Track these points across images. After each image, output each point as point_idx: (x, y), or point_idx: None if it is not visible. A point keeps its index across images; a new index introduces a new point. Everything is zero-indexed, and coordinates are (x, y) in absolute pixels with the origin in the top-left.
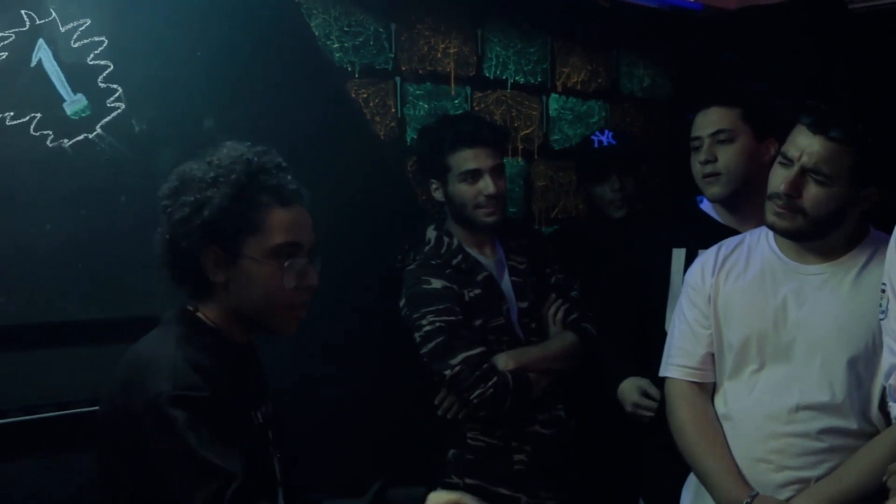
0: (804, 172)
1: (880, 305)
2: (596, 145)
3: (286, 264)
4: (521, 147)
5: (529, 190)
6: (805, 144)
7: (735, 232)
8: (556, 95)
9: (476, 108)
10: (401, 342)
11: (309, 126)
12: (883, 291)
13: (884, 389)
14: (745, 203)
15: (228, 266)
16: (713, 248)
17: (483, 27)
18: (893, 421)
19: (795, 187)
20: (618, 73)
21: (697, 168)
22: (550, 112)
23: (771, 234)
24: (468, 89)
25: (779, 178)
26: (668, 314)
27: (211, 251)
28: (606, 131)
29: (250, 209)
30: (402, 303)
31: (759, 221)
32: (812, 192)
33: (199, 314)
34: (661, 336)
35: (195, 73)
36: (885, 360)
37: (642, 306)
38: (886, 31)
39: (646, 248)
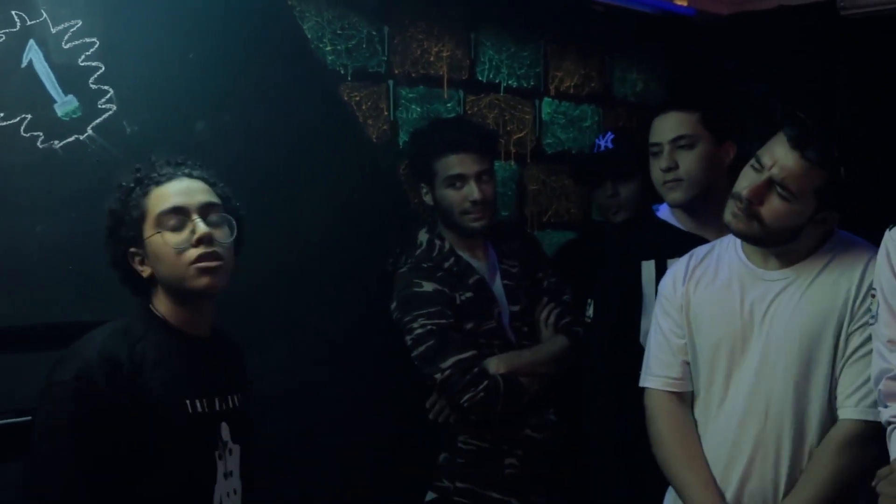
0: (771, 183)
1: (870, 310)
2: (595, 150)
3: (170, 226)
4: (513, 151)
5: (522, 194)
6: (780, 156)
7: (698, 237)
8: (549, 99)
9: (469, 112)
10: (392, 345)
11: (301, 129)
12: (873, 296)
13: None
14: (705, 207)
15: (145, 258)
16: (684, 258)
17: (476, 31)
18: (884, 424)
19: (758, 195)
20: (611, 77)
21: (658, 174)
22: (543, 116)
23: (739, 241)
24: (461, 93)
25: (745, 182)
26: (641, 327)
27: (131, 252)
28: (609, 134)
29: (138, 202)
30: (393, 305)
31: (720, 225)
32: (773, 205)
33: (152, 307)
34: (636, 351)
35: (187, 75)
36: (875, 365)
37: (619, 322)
38: (878, 36)
39: (616, 262)
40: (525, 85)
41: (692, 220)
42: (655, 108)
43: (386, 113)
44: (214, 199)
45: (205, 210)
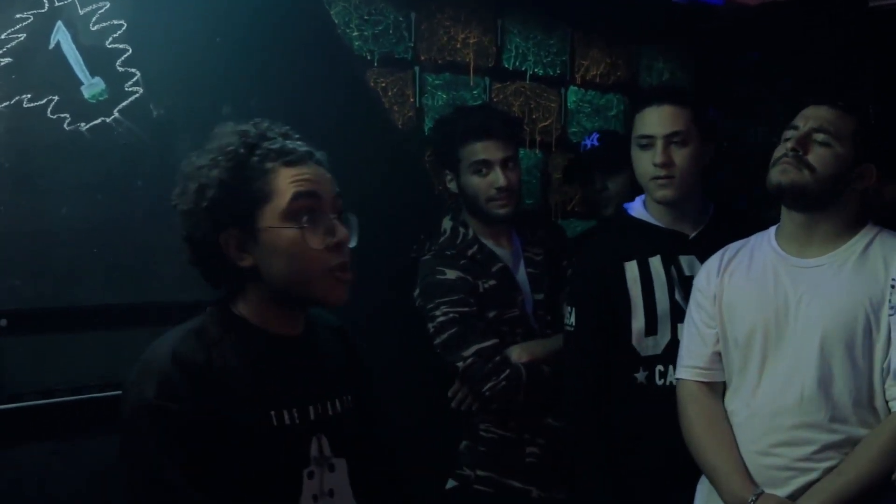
0: (811, 134)
1: (889, 301)
2: (582, 149)
3: (305, 221)
4: (538, 139)
5: (547, 182)
6: (810, 113)
7: (678, 233)
8: (575, 88)
9: (495, 100)
10: (415, 333)
11: (327, 114)
12: (893, 287)
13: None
14: (684, 203)
15: (250, 246)
16: (718, 253)
17: (503, 18)
18: None
19: (803, 144)
20: (637, 66)
21: (648, 168)
22: (569, 104)
23: (772, 233)
24: (487, 80)
25: (784, 145)
26: (633, 329)
27: (228, 235)
28: (594, 133)
29: (255, 177)
30: (416, 293)
31: (696, 219)
32: (818, 152)
33: (231, 306)
34: (630, 354)
35: (214, 58)
36: (893, 358)
37: (605, 327)
38: None
39: (595, 266)
40: (551, 73)
41: (669, 216)
42: (645, 98)
43: (412, 99)
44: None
45: (337, 207)
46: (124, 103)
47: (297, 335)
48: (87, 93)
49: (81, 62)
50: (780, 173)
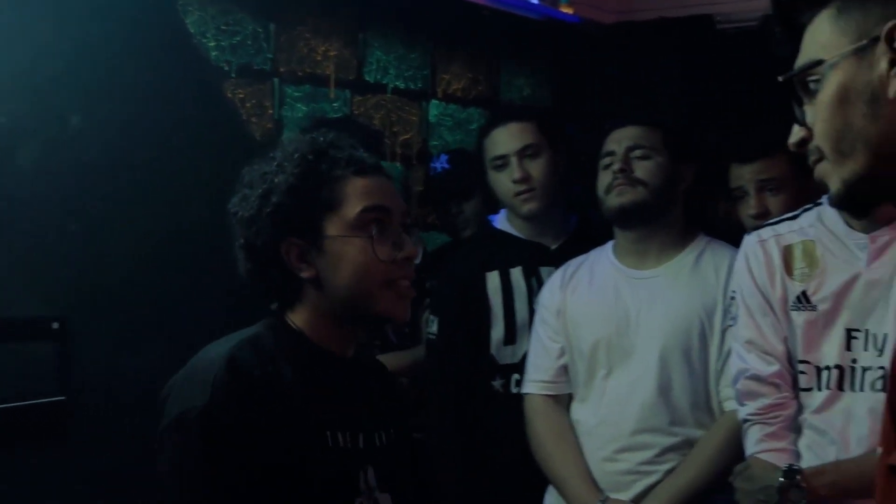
0: (628, 153)
1: (730, 312)
2: (432, 172)
3: (374, 232)
4: (399, 152)
5: (407, 195)
6: (619, 136)
7: (538, 245)
8: (437, 101)
9: (356, 112)
10: None
11: (182, 124)
12: (733, 299)
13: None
14: (546, 216)
15: (314, 255)
16: (560, 269)
17: (364, 31)
18: (741, 422)
19: (626, 162)
20: (498, 81)
21: (508, 186)
22: (430, 118)
23: (610, 249)
24: (348, 93)
25: (609, 171)
26: (492, 338)
27: (291, 243)
28: (442, 156)
29: (323, 184)
30: (274, 306)
31: (558, 231)
32: (643, 166)
33: (287, 318)
34: (489, 363)
35: (62, 66)
36: (733, 365)
37: (467, 336)
38: (752, 49)
39: (458, 276)
40: (412, 87)
41: (531, 228)
42: (488, 123)
43: (271, 111)
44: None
45: (405, 220)
46: None
47: (349, 358)
48: None
49: None
50: (617, 196)
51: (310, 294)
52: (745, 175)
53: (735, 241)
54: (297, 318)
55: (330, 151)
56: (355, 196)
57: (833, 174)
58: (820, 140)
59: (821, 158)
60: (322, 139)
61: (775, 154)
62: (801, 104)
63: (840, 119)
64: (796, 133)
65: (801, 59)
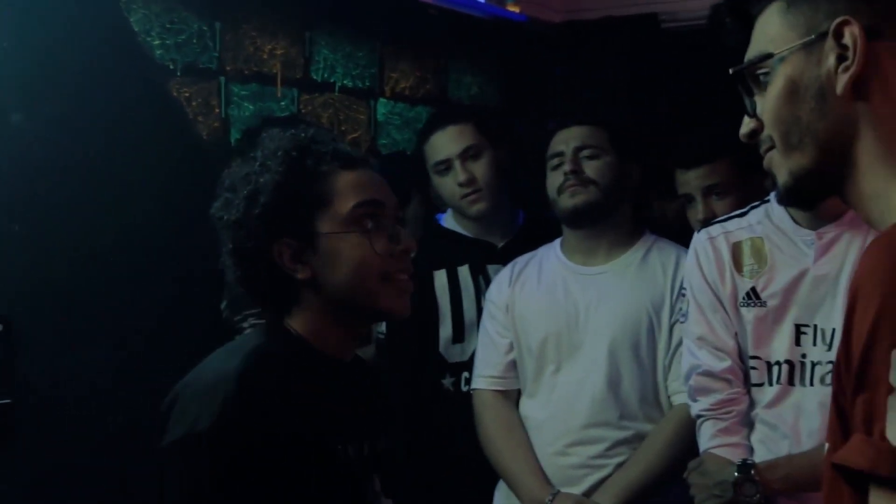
0: (576, 153)
1: (680, 309)
2: None
3: (370, 226)
4: None
5: None
6: (565, 137)
7: (485, 242)
8: (385, 100)
9: (303, 111)
10: (222, 345)
11: (127, 123)
12: (683, 296)
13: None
14: (493, 214)
15: (307, 255)
16: (508, 265)
17: (311, 30)
18: (694, 418)
19: (576, 163)
20: (446, 80)
21: (455, 189)
22: (378, 117)
23: (557, 245)
24: (295, 91)
25: (559, 172)
26: (441, 336)
27: (283, 244)
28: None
29: (311, 180)
30: (223, 305)
31: (504, 230)
32: (592, 165)
33: (287, 325)
34: (437, 361)
35: (2, 63)
36: (685, 362)
37: (415, 334)
38: (695, 48)
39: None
40: (360, 85)
41: (478, 227)
42: (427, 128)
43: (217, 110)
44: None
45: (397, 213)
46: None
47: (350, 361)
48: None
49: None
50: (570, 198)
51: (306, 296)
52: (690, 181)
53: (681, 240)
54: (296, 324)
55: (313, 146)
56: (346, 191)
57: (781, 166)
58: (770, 130)
59: (772, 147)
60: (303, 134)
61: (719, 159)
62: (751, 95)
63: (788, 113)
64: (747, 124)
65: (752, 52)
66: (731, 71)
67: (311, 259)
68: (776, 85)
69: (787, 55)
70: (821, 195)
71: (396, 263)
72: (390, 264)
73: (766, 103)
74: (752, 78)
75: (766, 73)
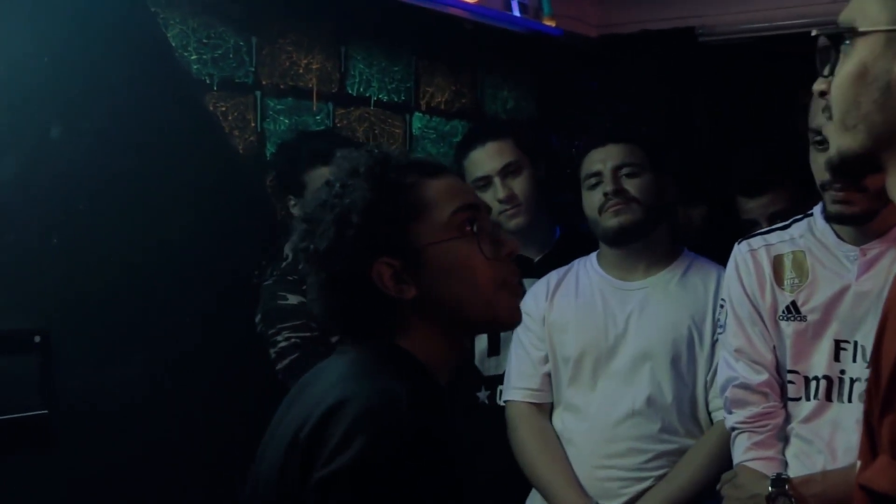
0: (616, 172)
1: (718, 320)
2: None
3: (474, 230)
4: None
5: None
6: (601, 156)
7: (523, 257)
8: (420, 114)
9: (338, 125)
10: (256, 358)
11: (164, 137)
12: (722, 307)
13: (707, 391)
14: (530, 228)
15: (410, 273)
16: (544, 278)
17: (346, 44)
18: (729, 430)
19: (617, 183)
20: (482, 93)
21: (494, 205)
22: (414, 131)
23: (594, 259)
24: (330, 105)
25: (598, 190)
26: (476, 348)
27: (382, 265)
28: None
29: (400, 193)
30: (258, 318)
31: (541, 244)
32: (633, 184)
33: (409, 352)
34: (471, 373)
35: (43, 78)
36: (721, 374)
37: None
38: (732, 62)
39: None
40: (395, 99)
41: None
42: (465, 143)
43: (253, 124)
44: None
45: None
46: None
47: (449, 384)
48: None
49: None
50: (614, 217)
51: (410, 318)
52: (754, 209)
53: (709, 247)
54: (412, 345)
55: (392, 162)
56: (441, 198)
57: (833, 141)
58: (832, 102)
59: (831, 117)
60: (376, 150)
61: (782, 185)
62: (828, 58)
63: (851, 96)
64: (819, 83)
65: (843, 16)
66: (812, 33)
67: (416, 276)
68: (849, 63)
69: (869, 34)
70: (864, 174)
71: (506, 267)
72: (501, 269)
73: (836, 77)
74: (833, 40)
75: (845, 44)
